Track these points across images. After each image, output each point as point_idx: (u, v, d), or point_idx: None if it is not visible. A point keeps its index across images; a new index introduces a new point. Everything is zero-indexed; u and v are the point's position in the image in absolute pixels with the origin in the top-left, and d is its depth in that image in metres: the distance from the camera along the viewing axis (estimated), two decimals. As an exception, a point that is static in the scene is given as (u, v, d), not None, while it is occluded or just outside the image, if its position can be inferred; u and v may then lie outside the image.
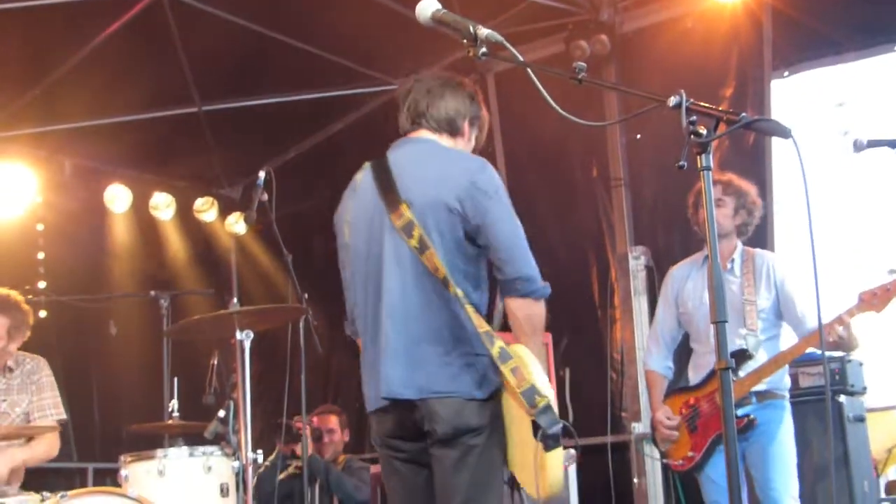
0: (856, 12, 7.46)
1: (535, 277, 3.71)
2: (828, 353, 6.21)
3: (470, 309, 3.57)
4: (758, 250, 5.76)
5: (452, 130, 3.96)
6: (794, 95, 7.95)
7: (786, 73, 7.94)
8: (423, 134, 3.94)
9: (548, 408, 3.42)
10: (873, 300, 5.18)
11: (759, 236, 6.96)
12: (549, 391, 3.47)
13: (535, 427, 3.42)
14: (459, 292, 3.57)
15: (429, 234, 3.63)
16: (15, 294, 6.08)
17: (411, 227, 3.63)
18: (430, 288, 3.64)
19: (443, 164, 3.82)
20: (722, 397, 2.56)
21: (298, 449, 6.91)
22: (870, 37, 7.57)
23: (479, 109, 4.08)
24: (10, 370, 6.00)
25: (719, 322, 2.59)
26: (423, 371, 3.61)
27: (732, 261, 5.66)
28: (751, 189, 5.72)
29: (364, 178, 3.90)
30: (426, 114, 3.93)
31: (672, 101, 2.65)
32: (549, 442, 3.41)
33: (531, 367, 3.51)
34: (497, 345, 3.52)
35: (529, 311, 3.72)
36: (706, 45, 7.99)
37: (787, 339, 5.62)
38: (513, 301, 3.72)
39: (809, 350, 5.46)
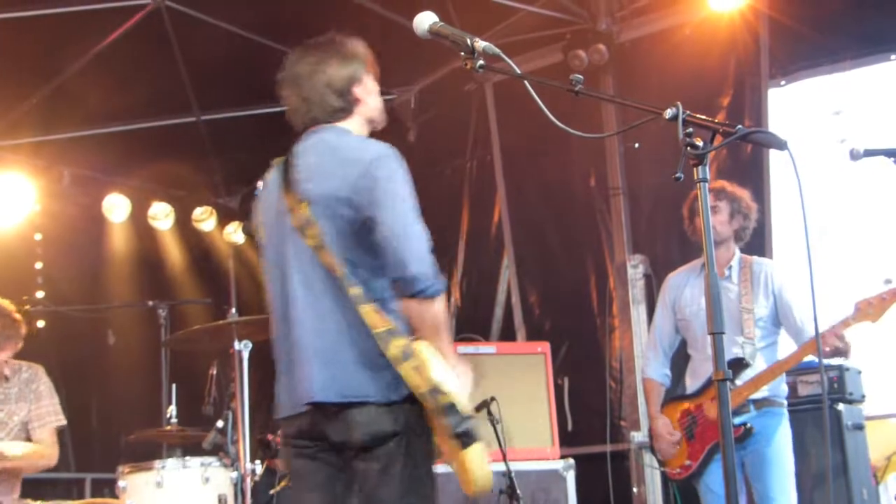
0: (852, 21, 7.49)
1: (417, 278, 3.38)
2: (826, 361, 6.21)
3: (365, 309, 3.39)
4: (755, 258, 5.77)
5: (345, 108, 3.70)
6: (791, 104, 7.97)
7: (783, 82, 7.96)
8: (322, 126, 3.68)
9: (451, 407, 3.30)
10: (869, 309, 5.19)
11: (757, 245, 6.97)
12: (452, 388, 3.35)
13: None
14: (356, 291, 3.40)
15: (325, 231, 3.45)
16: (5, 303, 6.05)
17: (308, 225, 3.45)
18: (333, 288, 3.45)
19: (340, 155, 3.57)
20: (719, 408, 2.56)
21: (280, 464, 6.88)
22: (866, 46, 7.60)
23: (355, 60, 3.74)
24: (6, 379, 5.97)
25: (716, 333, 2.59)
26: (336, 376, 3.41)
27: (730, 268, 5.66)
28: (744, 193, 5.74)
29: (272, 177, 3.72)
30: (312, 108, 3.68)
31: (668, 113, 2.65)
32: (464, 440, 3.30)
33: (432, 366, 3.36)
34: (394, 344, 3.34)
35: (421, 313, 3.45)
36: (703, 55, 8.01)
37: (785, 347, 5.62)
38: (407, 302, 3.46)
39: (808, 358, 5.47)
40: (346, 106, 3.69)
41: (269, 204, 3.68)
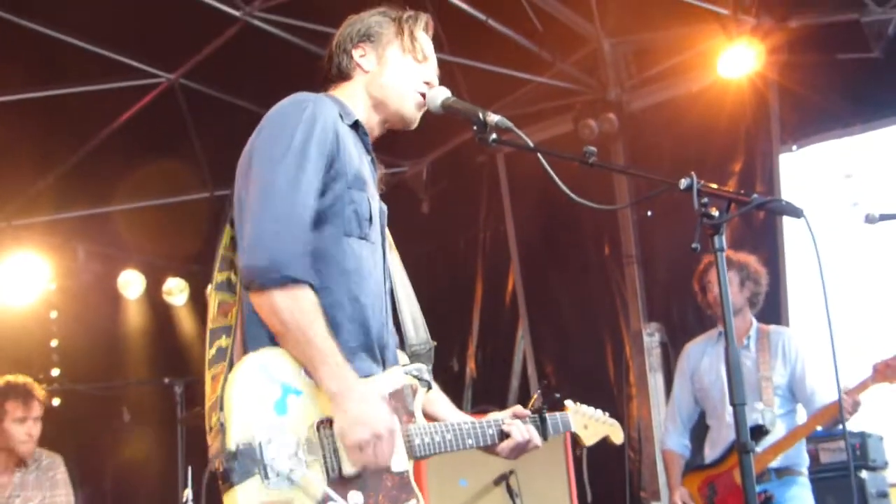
0: (862, 86, 7.52)
1: (252, 263, 2.69)
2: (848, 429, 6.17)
3: (213, 299, 2.86)
4: (773, 327, 5.79)
5: (342, 72, 3.21)
6: (802, 169, 7.98)
7: (794, 148, 7.99)
8: None
9: (217, 433, 2.58)
10: (887, 371, 5.18)
11: (773, 311, 6.97)
12: (234, 407, 2.57)
13: None
14: (217, 277, 2.88)
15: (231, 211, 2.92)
16: (28, 380, 6.05)
17: (230, 206, 2.95)
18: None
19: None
20: (743, 479, 2.53)
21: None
22: (877, 109, 7.63)
23: (377, 15, 3.27)
24: (26, 465, 5.94)
25: (738, 405, 2.57)
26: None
27: (748, 338, 5.67)
28: (749, 259, 5.76)
29: None
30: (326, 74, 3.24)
31: (683, 183, 2.65)
32: (222, 478, 2.54)
33: (234, 375, 2.62)
34: (216, 344, 2.79)
35: (259, 308, 2.71)
36: (714, 122, 8.04)
37: (804, 414, 5.60)
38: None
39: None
40: (345, 70, 3.21)
41: None
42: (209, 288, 2.79)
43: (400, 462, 2.83)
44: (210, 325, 2.82)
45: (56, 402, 8.10)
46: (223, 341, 2.78)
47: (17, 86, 7.21)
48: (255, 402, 2.60)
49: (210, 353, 2.77)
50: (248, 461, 2.52)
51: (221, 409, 2.57)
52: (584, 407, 3.60)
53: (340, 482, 2.66)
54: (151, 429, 8.64)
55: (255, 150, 2.85)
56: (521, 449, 3.29)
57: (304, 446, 2.63)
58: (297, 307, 2.67)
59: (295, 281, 2.67)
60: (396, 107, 3.18)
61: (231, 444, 2.52)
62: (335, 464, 2.68)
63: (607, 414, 3.66)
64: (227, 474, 2.51)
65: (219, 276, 2.87)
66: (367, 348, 2.90)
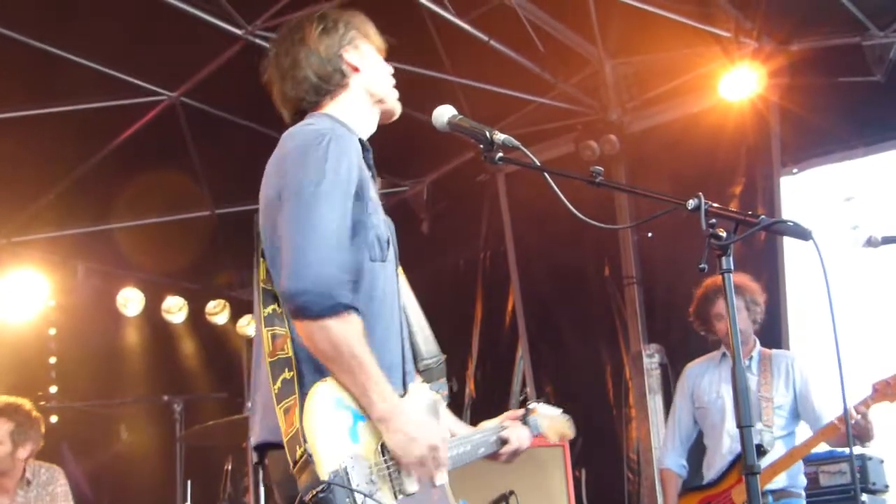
0: (863, 108, 7.54)
1: (300, 292, 2.69)
2: (847, 450, 6.15)
3: (265, 333, 2.83)
4: (775, 350, 5.80)
5: (334, 82, 3.14)
6: (802, 191, 7.99)
7: (795, 170, 7.99)
8: (295, 123, 3.11)
9: (306, 464, 2.59)
10: (887, 390, 5.18)
11: (774, 333, 6.97)
12: (318, 438, 2.61)
13: None
14: (264, 311, 2.85)
15: (264, 242, 2.91)
16: (23, 402, 6.02)
17: (258, 240, 2.93)
18: (267, 302, 2.91)
19: (277, 150, 3.02)
20: (749, 501, 2.52)
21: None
22: (877, 133, 7.64)
23: (342, 25, 3.19)
24: (28, 483, 5.91)
25: (745, 427, 2.56)
26: (261, 413, 2.83)
27: (751, 358, 5.69)
28: (744, 279, 5.76)
29: None
30: (296, 91, 3.14)
31: (691, 203, 2.65)
32: None
33: (310, 406, 2.65)
34: (280, 378, 2.75)
35: (309, 337, 2.72)
36: (714, 144, 8.05)
37: (803, 436, 5.60)
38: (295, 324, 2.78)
39: (828, 448, 5.44)
40: (333, 79, 3.13)
41: None
42: (252, 321, 2.79)
43: (442, 475, 2.89)
44: (268, 358, 2.81)
45: (54, 419, 8.08)
46: (287, 374, 2.76)
47: (18, 103, 7.21)
48: (335, 430, 2.66)
49: (276, 387, 2.75)
50: (339, 490, 2.57)
51: (305, 440, 2.60)
52: (546, 407, 3.67)
53: (404, 501, 2.75)
54: (150, 446, 8.62)
55: (287, 185, 2.84)
56: (519, 452, 3.44)
57: (375, 470, 2.70)
58: (350, 333, 2.70)
59: (346, 307, 2.70)
60: (390, 100, 3.26)
61: (323, 475, 2.56)
62: (399, 484, 2.76)
63: (561, 410, 3.73)
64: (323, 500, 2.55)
65: (265, 311, 2.85)
66: (392, 368, 2.91)
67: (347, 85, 3.15)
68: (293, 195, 2.80)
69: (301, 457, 2.60)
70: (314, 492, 2.54)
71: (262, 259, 2.93)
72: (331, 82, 3.13)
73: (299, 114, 3.16)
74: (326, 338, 2.68)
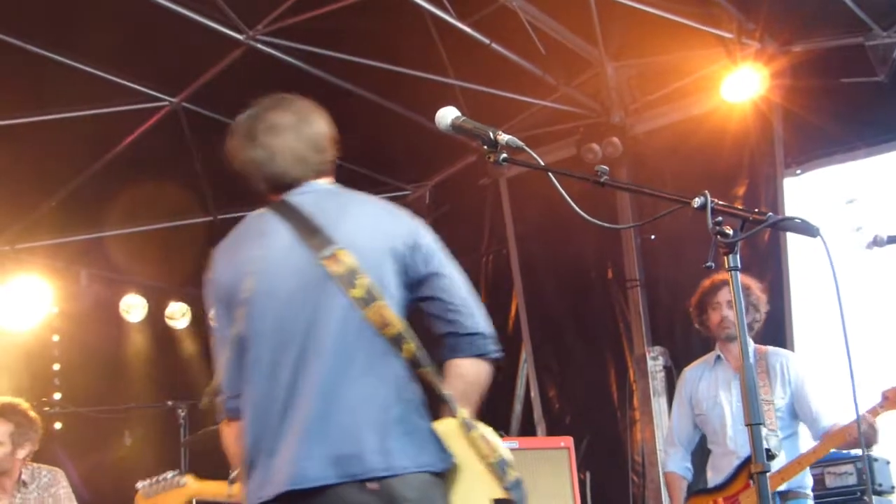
0: (866, 110, 7.53)
1: (490, 337, 3.18)
2: (852, 452, 6.14)
3: (429, 371, 3.05)
4: (770, 348, 5.76)
5: (327, 165, 3.36)
6: (804, 193, 7.97)
7: (798, 171, 7.98)
8: (314, 182, 3.29)
9: (519, 482, 2.99)
10: (898, 397, 5.15)
11: (778, 335, 6.96)
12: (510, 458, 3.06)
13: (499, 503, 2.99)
14: (415, 349, 3.03)
15: (377, 283, 3.04)
16: (20, 402, 6.01)
17: (354, 275, 3.01)
18: (372, 346, 3.01)
19: (375, 210, 3.25)
20: (759, 501, 2.50)
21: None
22: (880, 134, 7.63)
23: (324, 117, 3.44)
24: (25, 484, 5.89)
25: (754, 424, 2.54)
26: (371, 444, 2.90)
27: (747, 359, 5.64)
28: (752, 283, 5.74)
29: (271, 223, 3.20)
30: (297, 162, 3.27)
31: (697, 202, 2.64)
32: None
33: (494, 436, 3.09)
34: (460, 413, 3.04)
35: (482, 373, 3.18)
36: (717, 146, 8.04)
37: (806, 436, 5.58)
38: (465, 361, 3.14)
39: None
40: (328, 162, 3.34)
41: (279, 251, 3.13)
42: (426, 368, 3.07)
43: None
44: (446, 391, 3.08)
45: (58, 425, 8.07)
46: (462, 410, 3.07)
47: (19, 109, 7.21)
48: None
49: (464, 415, 3.06)
50: None
51: (512, 466, 3.03)
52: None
53: None
54: (154, 452, 8.60)
55: (446, 257, 3.27)
56: None
57: None
58: None
59: None
60: None
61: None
62: None
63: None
64: None
65: (411, 347, 3.06)
66: None
67: (330, 171, 3.41)
68: (456, 268, 3.27)
69: (513, 476, 3.02)
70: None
71: (380, 299, 3.06)
72: (325, 164, 3.39)
73: (287, 177, 3.34)
74: (488, 374, 3.20)
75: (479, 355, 3.15)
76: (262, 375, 3.03)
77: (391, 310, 3.02)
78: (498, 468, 2.99)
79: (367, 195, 3.33)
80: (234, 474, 4.45)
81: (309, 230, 3.10)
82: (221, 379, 3.19)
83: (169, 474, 4.55)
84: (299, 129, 3.30)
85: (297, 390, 2.95)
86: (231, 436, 3.19)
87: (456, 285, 3.19)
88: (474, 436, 3.02)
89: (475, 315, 3.17)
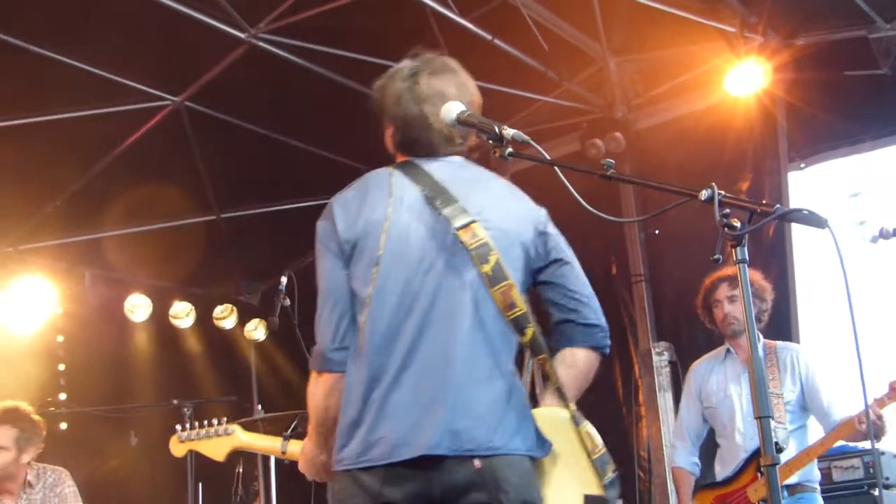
0: (870, 103, 7.52)
1: (607, 330, 3.25)
2: (858, 445, 6.13)
3: (546, 358, 3.09)
4: (780, 343, 5.75)
5: (464, 150, 3.34)
6: (808, 186, 7.96)
7: (802, 165, 7.97)
8: (454, 157, 3.28)
9: (615, 481, 3.02)
10: (904, 388, 5.15)
11: (783, 327, 6.94)
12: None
13: (588, 500, 2.97)
14: (537, 335, 3.05)
15: (504, 262, 3.02)
16: (24, 406, 6.01)
17: (487, 251, 2.99)
18: (493, 325, 2.99)
19: (505, 191, 3.29)
20: (769, 493, 2.49)
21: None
22: (884, 127, 7.62)
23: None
24: (31, 485, 5.89)
25: (763, 417, 2.53)
26: (486, 421, 2.87)
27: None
28: (755, 275, 5.73)
29: (400, 183, 3.14)
30: (444, 134, 3.23)
31: (704, 194, 2.62)
32: None
33: (596, 433, 3.10)
34: (570, 406, 3.07)
35: (593, 365, 3.22)
36: (721, 140, 8.03)
37: (814, 429, 5.57)
38: (582, 351, 3.18)
39: (840, 442, 5.41)
40: (465, 148, 3.32)
41: (414, 212, 3.07)
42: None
43: None
44: (555, 383, 3.11)
45: (63, 426, 8.06)
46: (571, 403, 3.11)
47: (22, 110, 7.20)
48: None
49: (572, 409, 3.10)
50: None
51: (612, 463, 3.06)
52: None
53: None
54: (160, 451, 8.58)
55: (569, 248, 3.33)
56: None
57: None
58: None
59: None
60: None
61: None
62: None
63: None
64: None
65: (532, 330, 3.08)
66: None
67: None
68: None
69: (611, 473, 3.06)
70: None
71: (509, 279, 3.05)
72: (463, 144, 3.38)
73: (426, 146, 3.28)
74: (596, 364, 3.25)
75: (595, 347, 3.21)
76: (379, 336, 2.95)
77: (518, 291, 3.03)
78: (600, 465, 3.01)
79: (492, 173, 3.34)
80: (288, 431, 4.37)
81: (444, 198, 3.06)
82: (326, 328, 3.08)
83: (214, 421, 4.42)
84: (458, 108, 3.21)
85: (416, 356, 2.91)
86: (321, 389, 3.04)
87: (578, 274, 3.26)
88: (583, 430, 3.05)
89: (596, 307, 3.23)
